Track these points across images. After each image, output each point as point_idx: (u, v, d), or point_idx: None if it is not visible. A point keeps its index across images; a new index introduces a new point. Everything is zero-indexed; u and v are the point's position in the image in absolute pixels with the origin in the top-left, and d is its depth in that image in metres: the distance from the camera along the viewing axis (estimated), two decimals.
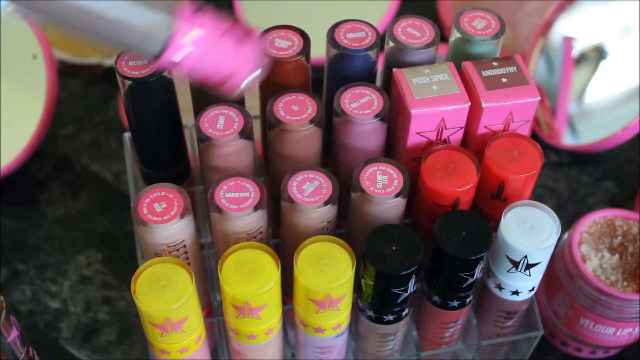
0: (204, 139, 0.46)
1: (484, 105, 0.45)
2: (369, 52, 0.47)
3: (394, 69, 0.46)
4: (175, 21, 0.41)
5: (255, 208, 0.44)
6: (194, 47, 0.42)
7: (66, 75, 0.79)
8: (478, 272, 0.46)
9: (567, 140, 0.74)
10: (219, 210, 0.44)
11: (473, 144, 0.48)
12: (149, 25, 0.41)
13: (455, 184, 0.45)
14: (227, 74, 0.43)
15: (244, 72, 0.43)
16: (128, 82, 0.47)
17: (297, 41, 0.48)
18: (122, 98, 0.50)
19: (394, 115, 0.48)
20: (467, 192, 0.46)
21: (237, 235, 0.45)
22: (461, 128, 0.47)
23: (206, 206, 0.58)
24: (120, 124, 0.76)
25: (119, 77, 0.47)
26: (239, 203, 0.44)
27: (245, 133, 0.46)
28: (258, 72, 0.44)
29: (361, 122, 0.46)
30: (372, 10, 0.82)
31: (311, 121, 0.45)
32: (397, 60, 0.48)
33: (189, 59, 0.42)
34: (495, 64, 0.46)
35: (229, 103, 0.47)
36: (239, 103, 0.49)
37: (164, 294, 0.42)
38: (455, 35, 0.48)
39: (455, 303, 0.49)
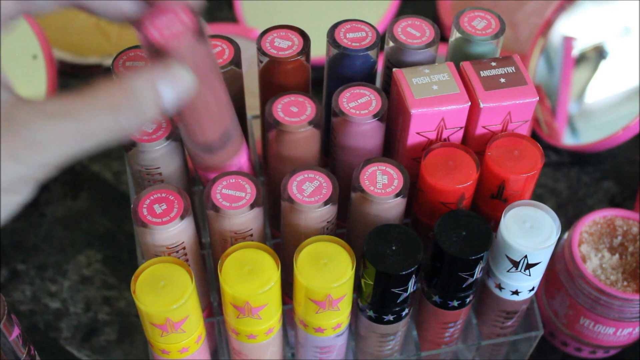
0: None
1: (482, 105, 0.45)
2: (369, 52, 0.47)
3: (394, 69, 0.46)
4: None
5: (251, 207, 0.44)
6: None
7: (66, 75, 0.79)
8: (478, 272, 0.46)
9: (567, 140, 0.74)
10: (215, 207, 0.44)
11: (472, 144, 0.48)
12: None
13: (459, 180, 0.45)
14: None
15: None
16: None
17: (297, 41, 0.48)
18: None
19: (394, 115, 0.48)
20: (470, 187, 0.46)
21: (226, 234, 0.45)
22: (461, 128, 0.47)
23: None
24: None
25: (116, 78, 0.47)
26: (233, 201, 0.44)
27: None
28: None
29: (359, 122, 0.46)
30: (372, 10, 0.82)
31: (310, 122, 0.45)
32: (397, 60, 0.48)
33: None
34: (493, 64, 0.46)
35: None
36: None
37: (163, 294, 0.42)
38: (455, 35, 0.48)
39: (455, 303, 0.49)
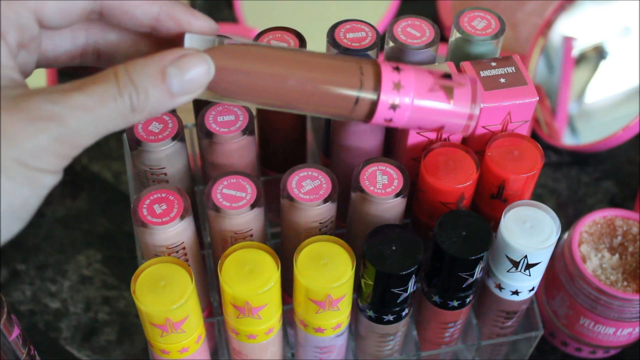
0: (207, 136, 0.46)
1: (481, 105, 0.45)
2: (369, 52, 0.47)
3: None
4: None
5: (251, 207, 0.44)
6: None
7: (66, 75, 0.79)
8: (478, 272, 0.46)
9: (567, 140, 0.74)
10: (215, 206, 0.44)
11: (472, 144, 0.48)
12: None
13: (459, 180, 0.45)
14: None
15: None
16: None
17: (293, 43, 0.48)
18: None
19: None
20: (470, 187, 0.46)
21: (226, 234, 0.45)
22: None
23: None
24: None
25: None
26: (233, 201, 0.44)
27: (248, 130, 0.46)
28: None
29: (359, 122, 0.46)
30: (372, 10, 0.82)
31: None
32: (397, 60, 0.48)
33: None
34: (493, 64, 0.46)
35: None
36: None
37: (163, 294, 0.42)
38: (455, 35, 0.48)
39: (455, 303, 0.49)
